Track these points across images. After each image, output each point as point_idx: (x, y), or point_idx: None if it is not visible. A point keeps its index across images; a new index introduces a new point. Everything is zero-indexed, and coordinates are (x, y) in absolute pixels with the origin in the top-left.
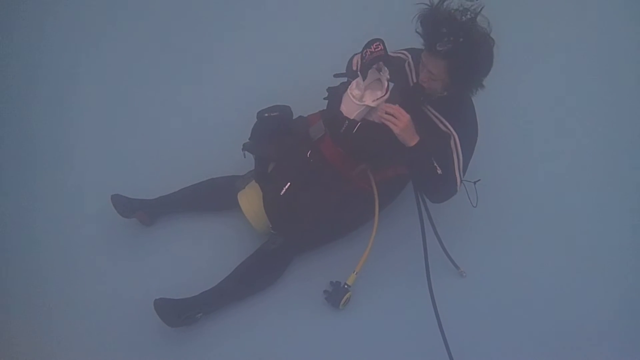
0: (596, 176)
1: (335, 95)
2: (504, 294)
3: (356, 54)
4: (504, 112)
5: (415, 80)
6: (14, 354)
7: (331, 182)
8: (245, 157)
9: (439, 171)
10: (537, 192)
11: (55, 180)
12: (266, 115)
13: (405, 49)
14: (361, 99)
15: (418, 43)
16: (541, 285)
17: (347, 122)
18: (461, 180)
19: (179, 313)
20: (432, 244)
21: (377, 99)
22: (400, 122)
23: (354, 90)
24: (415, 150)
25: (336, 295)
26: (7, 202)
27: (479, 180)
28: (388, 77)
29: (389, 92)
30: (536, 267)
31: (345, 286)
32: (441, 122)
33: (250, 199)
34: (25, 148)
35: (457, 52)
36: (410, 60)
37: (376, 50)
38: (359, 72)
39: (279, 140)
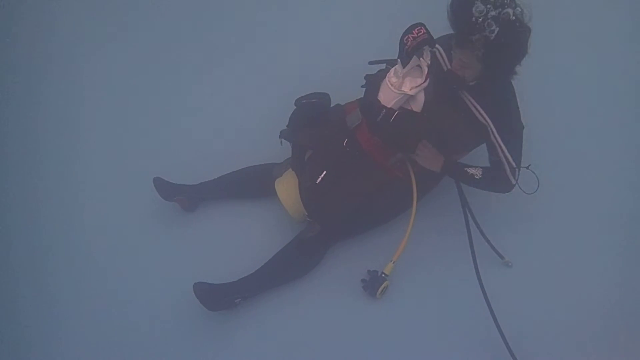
0: None
1: (373, 83)
2: (551, 284)
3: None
4: (557, 98)
5: (448, 67)
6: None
7: (367, 171)
8: (282, 144)
9: (478, 176)
10: (584, 182)
11: (105, 166)
12: (304, 101)
13: None
14: (399, 87)
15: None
16: (590, 277)
17: (384, 110)
18: (514, 170)
19: (218, 298)
20: (466, 239)
21: (417, 86)
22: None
23: (392, 77)
24: (445, 172)
25: (373, 284)
26: (46, 191)
27: (530, 165)
28: (429, 62)
29: (428, 79)
30: (585, 259)
31: (383, 275)
32: (478, 111)
33: (287, 187)
34: (36, 143)
35: (490, 43)
36: (439, 46)
37: (419, 34)
38: (398, 59)
39: (316, 128)
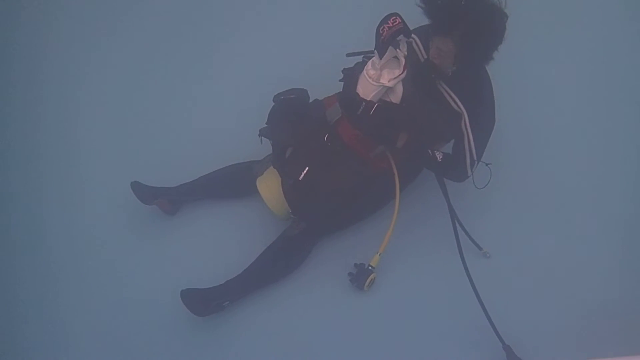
0: (616, 154)
1: (351, 76)
2: (529, 273)
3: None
4: (526, 90)
5: (425, 57)
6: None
7: (350, 165)
8: (262, 142)
9: (439, 159)
10: (554, 170)
11: (71, 175)
12: (282, 97)
13: None
14: (378, 79)
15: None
16: (566, 263)
17: (363, 103)
18: (474, 163)
19: (206, 303)
20: (449, 227)
21: (395, 77)
22: None
23: (369, 70)
24: (408, 149)
25: (360, 276)
26: (20, 197)
27: (490, 163)
28: (406, 53)
29: (406, 70)
30: (560, 246)
31: (369, 267)
32: (453, 100)
33: (269, 185)
34: (35, 142)
35: (467, 29)
36: (415, 37)
37: (395, 24)
38: (375, 51)
39: (296, 124)
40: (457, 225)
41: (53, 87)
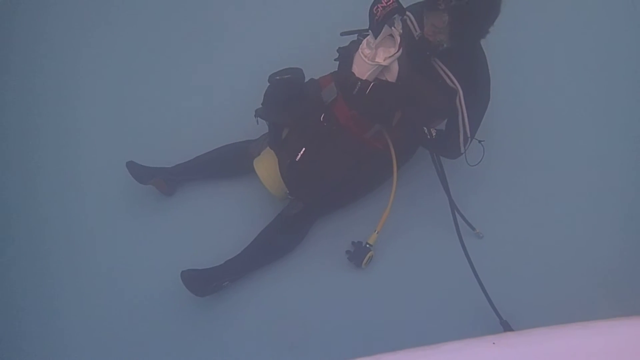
0: (606, 127)
1: (346, 55)
2: (522, 250)
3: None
4: (521, 67)
5: (419, 34)
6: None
7: (346, 145)
8: (258, 123)
9: (432, 135)
10: (548, 148)
11: (69, 157)
12: (277, 78)
13: None
14: (373, 58)
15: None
16: (559, 243)
17: (359, 83)
18: (467, 140)
19: (206, 283)
20: (445, 205)
21: (390, 56)
22: None
23: (365, 49)
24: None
25: (358, 254)
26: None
27: (484, 140)
28: (401, 31)
29: (401, 49)
30: (552, 225)
31: (367, 245)
32: (448, 77)
33: (266, 166)
34: (33, 128)
35: (460, 6)
36: (409, 14)
37: (389, 3)
38: (369, 30)
39: (292, 105)
40: (453, 206)
41: (50, 68)
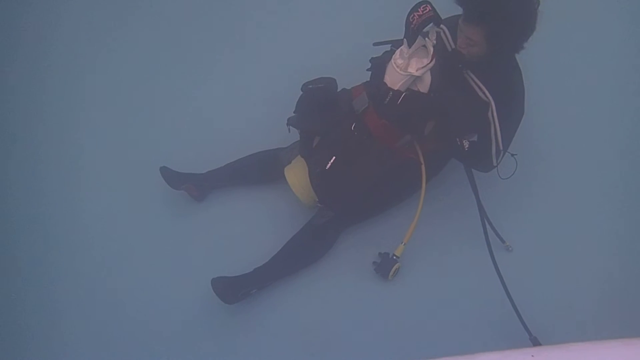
0: None
1: (379, 65)
2: (552, 265)
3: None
4: (556, 81)
5: (452, 46)
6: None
7: (377, 155)
8: (290, 131)
9: (465, 147)
10: (581, 164)
11: (103, 160)
12: (311, 86)
13: None
14: (406, 69)
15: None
16: (589, 259)
17: (391, 93)
18: (500, 153)
19: (236, 291)
20: (473, 218)
21: (423, 67)
22: None
23: (397, 59)
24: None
25: (385, 266)
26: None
27: (516, 154)
28: (434, 42)
29: (434, 60)
30: (583, 240)
31: (394, 257)
32: (481, 89)
33: (296, 174)
34: (46, 141)
35: (495, 19)
36: (444, 26)
37: (425, 12)
38: (404, 39)
39: (324, 113)
40: (484, 218)
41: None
